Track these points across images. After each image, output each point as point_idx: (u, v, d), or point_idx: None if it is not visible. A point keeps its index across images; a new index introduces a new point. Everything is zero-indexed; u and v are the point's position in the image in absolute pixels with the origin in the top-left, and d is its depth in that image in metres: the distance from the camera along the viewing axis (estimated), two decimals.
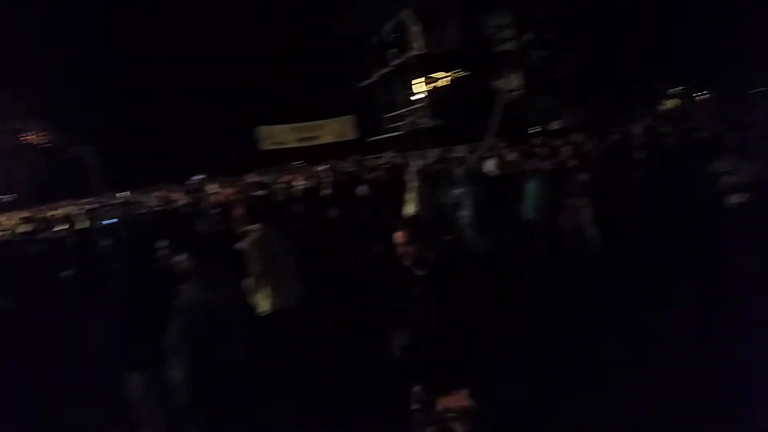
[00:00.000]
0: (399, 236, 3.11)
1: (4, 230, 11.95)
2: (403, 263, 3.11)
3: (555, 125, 23.93)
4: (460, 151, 14.80)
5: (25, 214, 18.05)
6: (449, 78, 27.77)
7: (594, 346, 4.84)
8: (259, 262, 5.16)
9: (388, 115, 33.15)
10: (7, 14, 31.59)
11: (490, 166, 10.16)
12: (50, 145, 38.91)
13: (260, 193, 11.42)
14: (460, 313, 2.97)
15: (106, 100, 35.64)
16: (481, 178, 8.71)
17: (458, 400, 2.98)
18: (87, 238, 7.51)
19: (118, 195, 22.08)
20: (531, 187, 8.18)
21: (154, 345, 3.20)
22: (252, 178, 18.96)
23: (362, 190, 9.32)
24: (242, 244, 5.30)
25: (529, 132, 21.69)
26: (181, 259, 3.46)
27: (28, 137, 38.11)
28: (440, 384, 3.05)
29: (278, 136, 38.52)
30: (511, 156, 10.75)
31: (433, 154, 16.54)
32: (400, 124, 31.01)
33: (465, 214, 8.05)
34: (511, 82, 25.71)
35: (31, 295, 5.56)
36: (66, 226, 10.08)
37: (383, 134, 32.91)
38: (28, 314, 5.31)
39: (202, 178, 27.14)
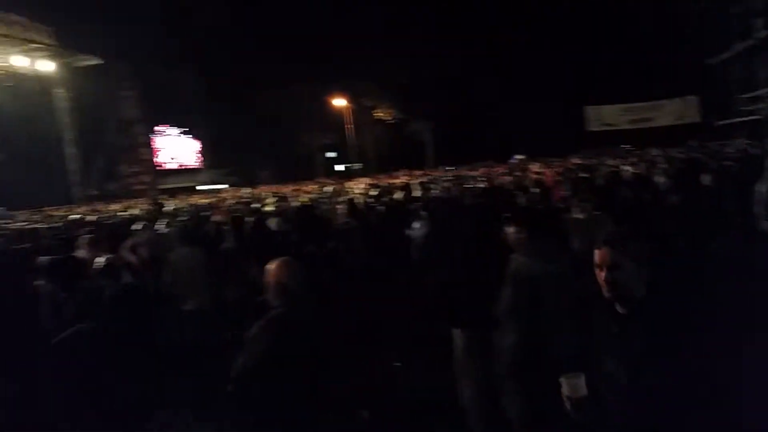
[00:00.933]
0: (599, 256, 2.37)
1: (355, 194, 13.99)
2: (604, 294, 2.37)
3: None
4: None
5: (370, 180, 20.99)
6: None
7: None
8: (579, 244, 5.06)
9: (743, 96, 28.65)
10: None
11: None
12: (394, 121, 43.95)
13: (583, 175, 11.16)
14: (665, 375, 2.18)
15: (441, 83, 38.55)
16: None
17: None
18: (424, 205, 8.32)
19: (447, 169, 23.88)
20: None
21: (484, 308, 3.41)
22: (575, 159, 18.61)
23: (705, 179, 8.27)
24: (564, 224, 5.26)
25: None
26: (512, 230, 3.62)
27: (378, 113, 43.71)
28: None
29: (607, 117, 36.77)
30: None
31: None
32: (759, 107, 26.54)
33: None
34: None
35: (374, 251, 6.42)
36: (403, 194, 11.35)
37: (735, 118, 28.61)
38: (371, 264, 6.12)
39: (523, 158, 27.59)
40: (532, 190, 9.59)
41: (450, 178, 15.99)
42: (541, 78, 37.17)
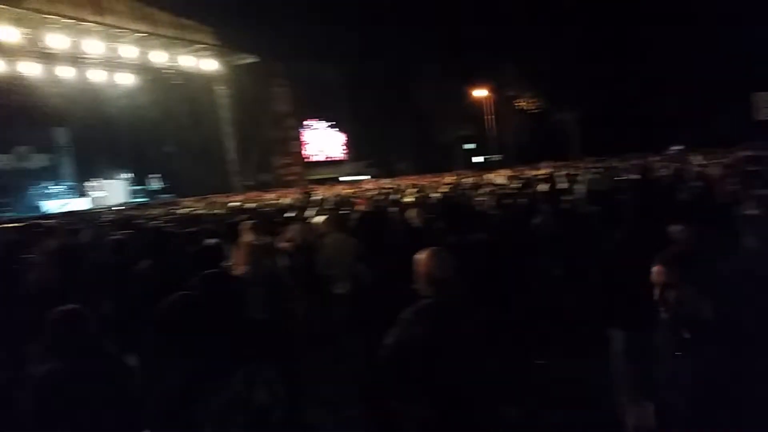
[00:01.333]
0: (654, 274, 2.18)
1: (495, 185, 13.80)
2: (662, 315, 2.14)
3: None
4: None
5: (511, 172, 20.51)
6: None
7: None
8: (754, 243, 4.59)
9: None
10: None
11: None
12: (537, 111, 42.57)
13: (754, 168, 10.13)
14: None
15: (589, 70, 36.62)
16: None
17: None
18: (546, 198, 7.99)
19: (595, 160, 22.68)
20: None
21: (647, 308, 3.21)
22: (743, 151, 16.80)
23: None
24: (735, 221, 4.80)
25: None
26: (674, 227, 3.38)
27: (521, 103, 42.59)
28: None
29: None
30: None
31: None
32: None
33: None
34: None
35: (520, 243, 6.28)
36: (547, 186, 11.00)
37: None
38: (518, 257, 5.96)
39: (681, 149, 25.50)
40: (694, 183, 8.86)
41: (599, 169, 15.16)
42: (701, 61, 33.93)
